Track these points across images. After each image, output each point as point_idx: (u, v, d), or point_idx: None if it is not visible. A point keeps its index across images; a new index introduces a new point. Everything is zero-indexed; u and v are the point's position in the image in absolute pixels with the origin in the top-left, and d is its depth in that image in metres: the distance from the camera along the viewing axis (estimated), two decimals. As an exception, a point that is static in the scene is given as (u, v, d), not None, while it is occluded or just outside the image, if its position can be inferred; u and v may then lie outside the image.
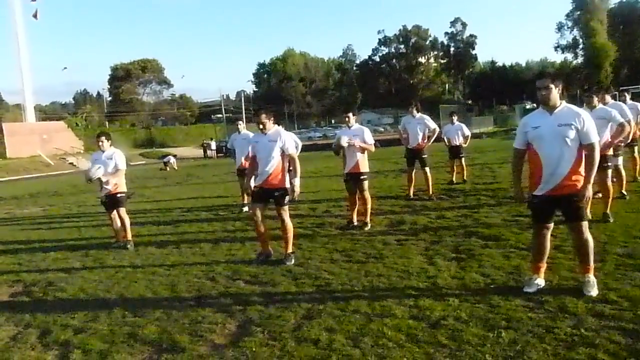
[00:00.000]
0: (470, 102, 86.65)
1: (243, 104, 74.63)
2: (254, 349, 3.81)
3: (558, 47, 77.57)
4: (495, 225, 7.34)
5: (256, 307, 4.71)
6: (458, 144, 12.60)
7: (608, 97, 8.01)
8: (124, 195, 8.02)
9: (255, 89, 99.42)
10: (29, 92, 58.38)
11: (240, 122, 11.02)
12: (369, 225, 7.96)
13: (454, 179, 12.44)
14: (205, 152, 50.63)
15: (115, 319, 4.68)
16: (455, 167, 12.58)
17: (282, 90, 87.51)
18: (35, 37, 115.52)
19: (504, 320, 3.95)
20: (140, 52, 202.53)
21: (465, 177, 12.53)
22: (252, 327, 4.23)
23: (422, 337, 3.77)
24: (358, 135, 8.01)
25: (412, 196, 10.42)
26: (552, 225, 4.61)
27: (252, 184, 6.54)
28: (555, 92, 4.36)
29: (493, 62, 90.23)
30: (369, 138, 8.11)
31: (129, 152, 55.18)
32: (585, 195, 4.29)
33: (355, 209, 8.24)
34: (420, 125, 10.20)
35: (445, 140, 12.88)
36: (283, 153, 6.25)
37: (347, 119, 8.19)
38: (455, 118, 12.97)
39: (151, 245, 7.86)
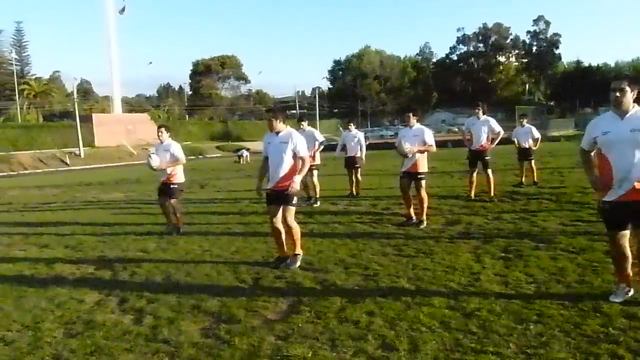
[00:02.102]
0: (552, 103, 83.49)
1: (317, 101, 75.85)
2: (300, 325, 4.27)
3: (652, 46, 73.12)
4: (551, 229, 7.43)
5: (307, 290, 5.19)
6: (527, 147, 12.58)
7: None
8: (177, 186, 8.61)
9: (330, 86, 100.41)
10: (117, 85, 62.30)
11: (304, 122, 11.27)
12: (425, 222, 8.22)
13: (523, 180, 12.45)
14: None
15: (183, 294, 5.28)
16: (525, 169, 12.56)
17: (356, 87, 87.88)
18: (123, 32, 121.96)
19: (536, 315, 4.19)
20: (220, 48, 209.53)
21: (535, 179, 12.47)
22: (301, 307, 4.69)
23: (454, 325, 4.09)
24: (418, 135, 8.21)
25: (473, 197, 10.53)
26: (627, 231, 4.43)
27: (265, 185, 6.36)
28: (629, 96, 4.26)
29: (578, 62, 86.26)
30: (430, 139, 8.23)
31: (206, 144, 57.56)
32: None
33: (412, 206, 8.48)
34: (484, 127, 10.32)
35: (515, 142, 12.87)
36: (295, 155, 6.11)
37: (407, 118, 8.39)
38: (524, 121, 13.00)
39: (219, 232, 8.52)
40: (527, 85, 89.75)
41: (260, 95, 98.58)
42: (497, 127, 10.41)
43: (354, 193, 12.23)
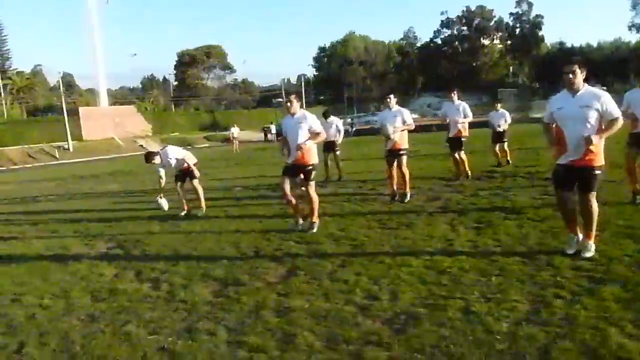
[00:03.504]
0: (536, 84, 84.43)
1: (303, 88, 76.13)
2: (297, 285, 4.99)
3: (632, 26, 74.30)
4: (520, 202, 8.18)
5: (302, 258, 5.91)
6: (502, 130, 13.35)
7: None
8: (194, 168, 9.46)
9: (316, 73, 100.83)
10: (102, 78, 62.41)
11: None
12: (409, 196, 9.06)
13: (500, 161, 13.20)
14: (265, 135, 52.50)
15: (191, 265, 5.99)
16: (499, 151, 13.32)
17: (342, 74, 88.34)
18: (106, 23, 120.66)
19: (498, 270, 4.94)
20: (204, 38, 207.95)
21: (509, 159, 13.24)
22: (298, 271, 5.41)
23: (429, 279, 4.83)
24: (397, 116, 8.99)
25: (463, 174, 11.20)
26: (570, 193, 5.26)
27: (286, 160, 7.36)
28: (580, 77, 5.08)
29: (561, 43, 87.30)
30: (409, 118, 9.12)
31: (194, 135, 57.91)
32: (591, 140, 4.88)
33: (395, 182, 9.24)
34: (459, 112, 11.03)
35: (490, 126, 13.67)
36: (311, 132, 7.06)
37: (388, 99, 9.16)
38: (499, 105, 13.83)
39: (217, 215, 9.21)
40: (511, 68, 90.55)
41: (246, 84, 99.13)
42: (468, 112, 11.09)
43: (329, 177, 12.84)
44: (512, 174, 11.42)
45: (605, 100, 5.02)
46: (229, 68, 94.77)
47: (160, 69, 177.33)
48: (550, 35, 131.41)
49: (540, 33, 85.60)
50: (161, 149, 9.52)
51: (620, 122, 5.06)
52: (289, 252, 6.27)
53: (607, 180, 8.57)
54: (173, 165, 9.30)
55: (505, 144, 13.39)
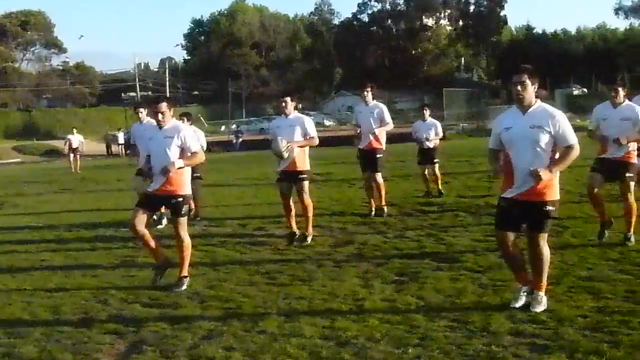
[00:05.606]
0: (497, 82, 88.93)
1: (168, 78, 75.85)
2: (142, 365, 5.17)
3: (619, 9, 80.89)
4: (460, 246, 8.88)
5: (151, 328, 6.08)
6: (431, 147, 14.14)
7: None
8: None
9: (187, 57, 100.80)
10: None
11: (142, 109, 11.86)
12: (310, 237, 9.55)
13: (429, 189, 14.04)
14: (109, 147, 51.66)
15: (-13, 340, 5.98)
16: (427, 175, 14.16)
17: (226, 59, 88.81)
18: None
19: (418, 339, 5.38)
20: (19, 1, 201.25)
21: (441, 189, 14.18)
22: (144, 347, 5.58)
23: (325, 355, 5.17)
24: (294, 125, 9.26)
25: (374, 211, 11.75)
26: (513, 234, 5.92)
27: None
28: (530, 89, 5.72)
29: (529, 28, 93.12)
30: (311, 129, 9.38)
31: (-1, 145, 55.84)
32: (542, 176, 5.49)
33: (293, 216, 9.62)
34: (373, 117, 11.39)
35: (416, 141, 14.51)
36: (183, 152, 7.35)
37: (283, 104, 9.36)
38: (427, 113, 14.54)
39: (29, 266, 9.16)
40: (462, 59, 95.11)
41: (82, 69, 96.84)
42: (388, 118, 11.54)
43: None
44: (453, 207, 12.20)
45: (559, 122, 5.70)
46: (56, 46, 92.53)
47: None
48: (515, 17, 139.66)
49: (502, 13, 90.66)
50: None
51: (577, 151, 5.74)
52: (133, 318, 6.43)
53: (571, 217, 9.49)
54: None
55: (437, 167, 14.24)
